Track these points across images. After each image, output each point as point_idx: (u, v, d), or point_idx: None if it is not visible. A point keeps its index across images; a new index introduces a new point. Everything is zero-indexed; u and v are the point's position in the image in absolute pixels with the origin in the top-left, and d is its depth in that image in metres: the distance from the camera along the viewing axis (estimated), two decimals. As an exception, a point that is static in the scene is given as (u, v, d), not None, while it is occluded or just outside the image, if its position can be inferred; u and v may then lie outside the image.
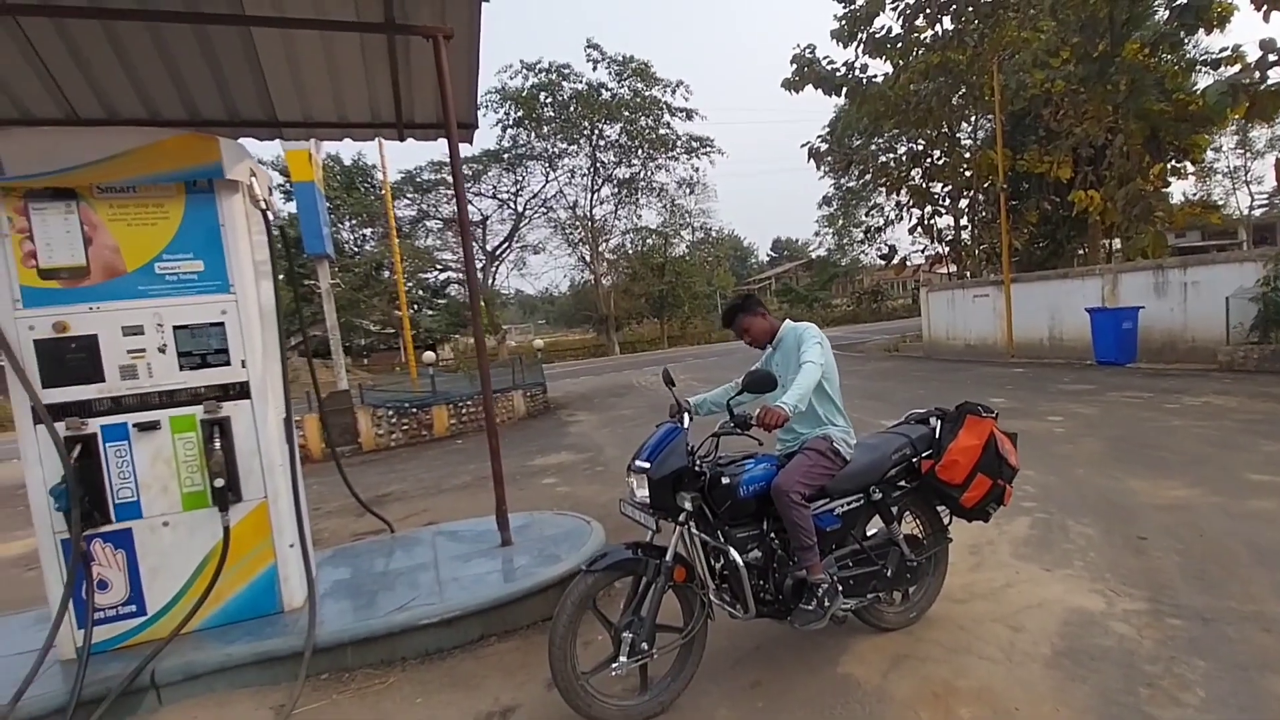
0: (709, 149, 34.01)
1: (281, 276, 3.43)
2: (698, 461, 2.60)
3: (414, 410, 11.04)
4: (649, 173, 34.40)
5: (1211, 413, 7.22)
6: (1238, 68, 13.74)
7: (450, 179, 31.75)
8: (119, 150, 2.81)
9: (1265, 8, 11.43)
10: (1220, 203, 32.43)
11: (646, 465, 2.50)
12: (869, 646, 2.94)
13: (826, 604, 2.60)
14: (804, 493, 2.62)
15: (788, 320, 3.00)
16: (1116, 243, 16.53)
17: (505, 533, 4.09)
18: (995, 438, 2.91)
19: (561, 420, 11.91)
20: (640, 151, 33.33)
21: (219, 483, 2.96)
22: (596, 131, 32.43)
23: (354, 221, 32.14)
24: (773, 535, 2.70)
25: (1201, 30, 15.10)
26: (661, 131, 32.91)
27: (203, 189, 2.97)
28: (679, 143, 33.65)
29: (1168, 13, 14.72)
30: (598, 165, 33.71)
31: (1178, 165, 16.99)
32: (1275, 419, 6.64)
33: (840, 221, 43.42)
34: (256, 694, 2.88)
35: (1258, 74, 11.53)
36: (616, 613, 2.57)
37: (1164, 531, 4.00)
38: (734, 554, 2.56)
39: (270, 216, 3.27)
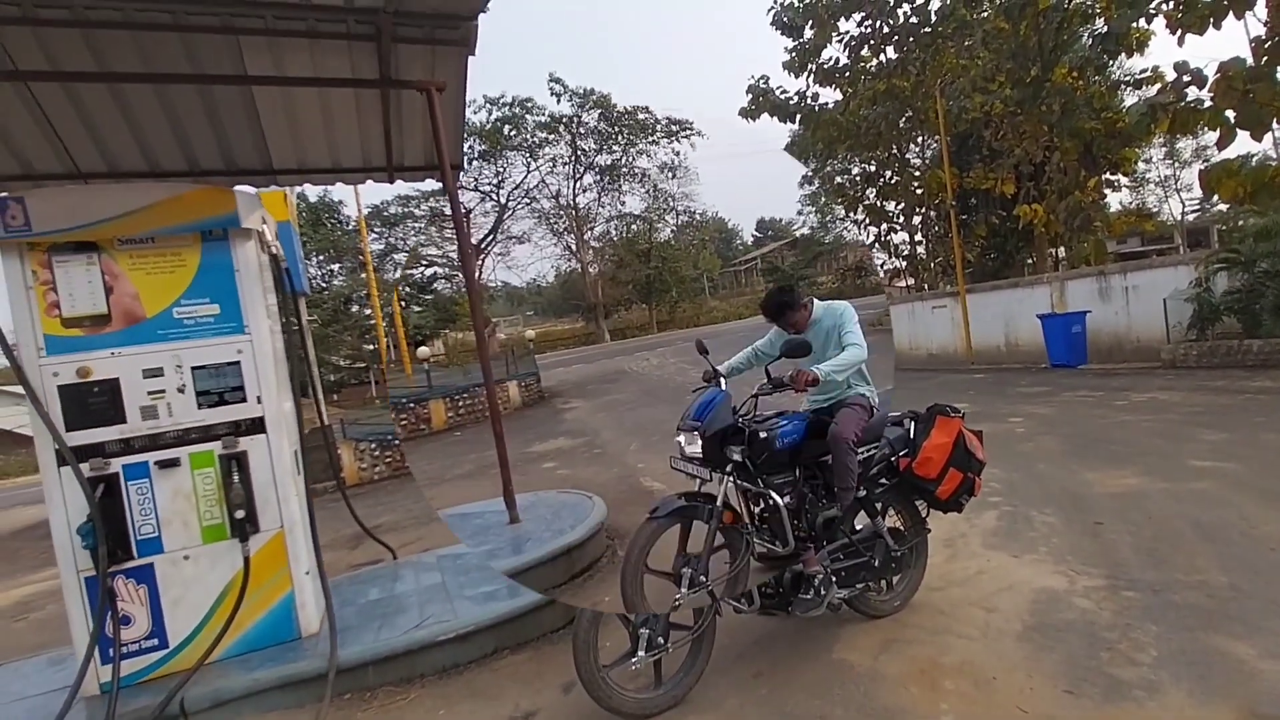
0: (689, 132, 33.88)
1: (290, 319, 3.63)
2: (739, 419, 2.95)
3: (411, 405, 11.54)
4: (630, 159, 34.25)
5: (1157, 407, 7.74)
6: (1157, 87, 14.88)
7: (422, 212, 31.72)
8: (140, 205, 2.98)
9: (1179, 32, 12.46)
10: (1155, 210, 34.32)
11: (698, 424, 2.86)
12: (859, 634, 3.19)
13: (823, 592, 2.88)
14: (858, 437, 3.03)
15: (816, 301, 3.30)
16: (1062, 251, 17.46)
17: (512, 511, 4.51)
18: (964, 435, 3.23)
19: (556, 408, 12.08)
20: (620, 138, 33.19)
21: (239, 514, 3.09)
22: (576, 119, 32.37)
23: (321, 258, 31.85)
24: (805, 481, 3.06)
25: (1124, 53, 16.33)
26: (640, 116, 32.87)
27: (218, 237, 3.14)
28: (659, 127, 33.55)
29: (1091, 39, 15.91)
30: (578, 154, 33.52)
31: (1111, 178, 18.13)
32: (1214, 410, 7.15)
33: (822, 200, 41.51)
34: (283, 716, 2.99)
35: (1173, 95, 12.53)
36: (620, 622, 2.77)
37: (1117, 516, 4.36)
38: (775, 497, 2.90)
39: (279, 261, 3.45)
